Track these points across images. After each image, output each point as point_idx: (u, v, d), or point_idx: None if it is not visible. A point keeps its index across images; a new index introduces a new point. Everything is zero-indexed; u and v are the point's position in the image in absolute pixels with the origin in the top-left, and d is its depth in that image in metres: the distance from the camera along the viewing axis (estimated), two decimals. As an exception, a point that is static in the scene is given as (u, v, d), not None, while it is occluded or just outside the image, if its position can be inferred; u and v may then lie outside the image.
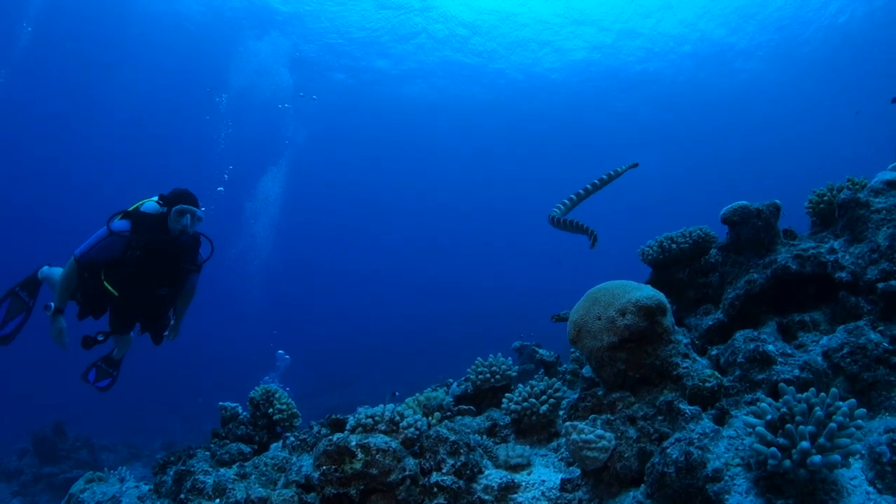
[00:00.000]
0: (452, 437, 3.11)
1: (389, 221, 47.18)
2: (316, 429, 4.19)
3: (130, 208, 4.83)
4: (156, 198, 4.85)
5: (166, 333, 5.45)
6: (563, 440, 3.38)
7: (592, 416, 2.83)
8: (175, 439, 15.07)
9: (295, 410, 4.71)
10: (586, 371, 3.92)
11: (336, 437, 3.05)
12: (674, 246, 3.88)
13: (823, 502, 2.10)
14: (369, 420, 3.22)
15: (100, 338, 5.05)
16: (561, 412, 3.59)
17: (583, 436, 2.63)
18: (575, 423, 2.70)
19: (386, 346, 33.95)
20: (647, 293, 2.79)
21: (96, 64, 24.33)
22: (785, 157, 36.92)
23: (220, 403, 4.80)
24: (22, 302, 5.36)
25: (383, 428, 3.19)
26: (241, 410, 4.78)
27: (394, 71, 26.97)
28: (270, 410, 4.63)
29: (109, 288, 4.77)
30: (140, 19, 21.88)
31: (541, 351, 4.68)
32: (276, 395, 4.69)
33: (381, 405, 3.32)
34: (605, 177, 3.90)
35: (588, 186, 3.89)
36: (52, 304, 4.80)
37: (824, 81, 27.70)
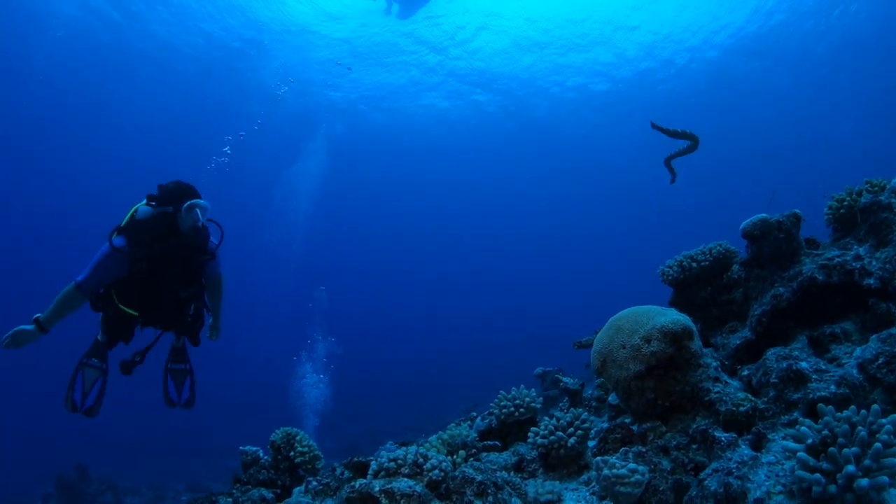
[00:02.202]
0: (479, 477, 3.00)
1: (411, 246, 47.08)
2: (339, 471, 4.09)
3: (123, 222, 4.49)
4: (144, 201, 4.49)
5: (207, 335, 5.21)
6: (594, 473, 3.27)
7: (623, 448, 2.71)
8: (199, 480, 14.91)
9: (317, 452, 4.61)
10: (613, 398, 3.81)
11: (359, 483, 2.95)
12: (694, 264, 3.78)
13: (875, 529, 1.98)
14: (392, 464, 3.12)
15: (137, 359, 4.82)
16: (590, 443, 3.48)
17: (615, 470, 2.52)
18: (606, 457, 2.59)
19: (407, 373, 33.76)
20: (672, 318, 2.69)
21: (125, 66, 24.58)
22: (786, 164, 36.49)
23: (241, 448, 4.71)
24: (95, 369, 4.91)
25: (407, 471, 3.09)
26: (261, 454, 4.70)
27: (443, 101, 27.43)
28: (292, 454, 4.54)
29: (127, 310, 4.52)
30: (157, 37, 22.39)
31: (564, 379, 4.56)
32: (298, 438, 4.61)
33: (404, 448, 3.22)
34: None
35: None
36: (40, 316, 4.38)
37: (825, 82, 27.42)
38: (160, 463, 17.93)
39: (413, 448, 3.23)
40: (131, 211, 4.54)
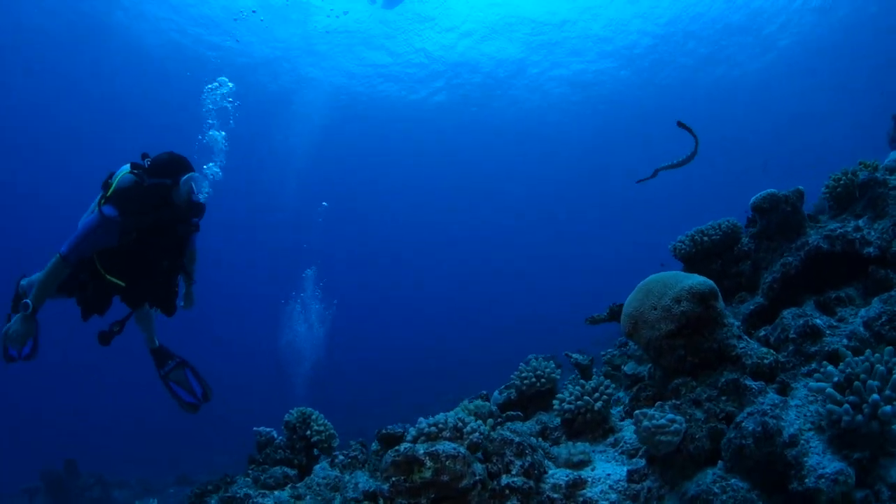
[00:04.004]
0: (517, 439, 3.18)
1: (399, 233, 46.41)
2: (358, 449, 4.20)
3: (109, 191, 4.39)
4: (127, 168, 4.43)
5: (180, 304, 5.16)
6: (620, 436, 3.47)
7: (658, 402, 2.92)
8: (186, 472, 14.71)
9: (333, 431, 4.69)
10: (629, 368, 4.03)
11: (403, 447, 3.09)
12: (705, 238, 4.04)
13: (893, 455, 2.23)
14: (433, 428, 3.26)
15: (115, 329, 4.71)
16: (613, 410, 3.68)
17: (654, 421, 2.71)
18: (644, 410, 2.79)
19: (396, 368, 33.51)
20: (699, 280, 2.92)
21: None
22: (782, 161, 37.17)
23: (255, 429, 4.78)
24: None
25: (448, 435, 3.24)
26: (276, 435, 4.78)
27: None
28: (308, 433, 4.62)
29: (115, 280, 4.42)
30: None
31: (574, 355, 4.76)
32: (313, 417, 4.69)
33: (443, 413, 3.37)
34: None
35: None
36: (29, 303, 4.26)
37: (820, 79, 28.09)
38: (148, 456, 17.66)
39: (452, 413, 3.39)
40: (114, 180, 4.46)
